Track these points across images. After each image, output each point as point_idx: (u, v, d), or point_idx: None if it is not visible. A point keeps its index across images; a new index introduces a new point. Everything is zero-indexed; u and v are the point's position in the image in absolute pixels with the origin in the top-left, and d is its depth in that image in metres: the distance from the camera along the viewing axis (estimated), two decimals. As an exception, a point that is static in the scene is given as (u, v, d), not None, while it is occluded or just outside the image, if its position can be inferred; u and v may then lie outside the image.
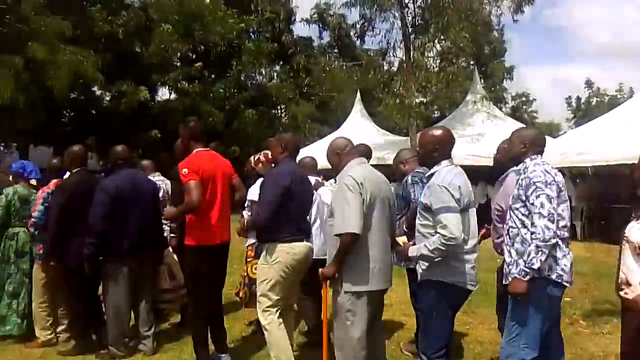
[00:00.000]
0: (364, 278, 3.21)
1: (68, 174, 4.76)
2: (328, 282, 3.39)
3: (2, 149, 16.61)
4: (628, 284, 3.01)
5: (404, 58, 14.19)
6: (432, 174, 3.19)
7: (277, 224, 3.66)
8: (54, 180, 4.71)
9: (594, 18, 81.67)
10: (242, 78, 20.23)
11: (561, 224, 2.94)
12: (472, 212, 3.17)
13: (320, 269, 3.39)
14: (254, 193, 4.67)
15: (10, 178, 5.07)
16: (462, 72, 16.18)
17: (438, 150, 3.19)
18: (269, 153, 4.32)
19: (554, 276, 2.91)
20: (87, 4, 16.17)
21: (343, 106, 21.05)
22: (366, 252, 3.22)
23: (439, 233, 2.96)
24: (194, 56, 20.07)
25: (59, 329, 4.74)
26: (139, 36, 17.32)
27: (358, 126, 16.86)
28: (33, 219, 4.55)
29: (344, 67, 16.75)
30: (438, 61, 14.79)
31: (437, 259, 3.06)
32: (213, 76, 19.65)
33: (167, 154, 17.17)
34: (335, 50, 26.52)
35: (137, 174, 4.68)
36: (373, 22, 15.23)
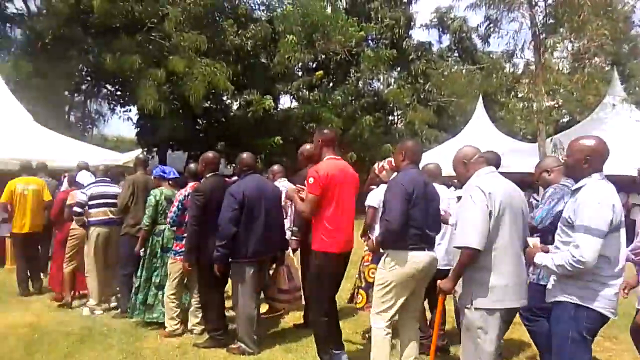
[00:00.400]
0: (496, 294, 3.08)
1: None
2: (445, 295, 3.33)
3: (145, 154, 18.35)
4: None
5: (532, 59, 13.45)
6: (578, 188, 2.93)
7: (399, 232, 3.63)
8: (191, 184, 5.09)
9: None
10: (360, 85, 20.49)
11: None
12: (622, 232, 2.90)
13: (438, 282, 3.33)
14: (372, 199, 4.82)
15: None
16: (598, 73, 14.90)
17: (589, 162, 2.91)
18: (392, 161, 4.35)
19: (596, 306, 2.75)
20: (220, 19, 17.39)
21: (462, 111, 20.43)
22: (498, 267, 3.08)
23: (570, 251, 2.77)
24: (314, 65, 20.79)
25: (194, 321, 5.12)
26: (265, 48, 18.28)
27: (480, 132, 16.22)
28: (169, 219, 5.01)
29: (465, 70, 16.28)
30: (570, 62, 13.77)
31: (578, 279, 2.84)
32: (332, 84, 20.15)
33: (287, 159, 18.05)
34: (455, 54, 25.83)
35: (261, 180, 4.90)
36: (499, 23, 14.63)
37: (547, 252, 3.07)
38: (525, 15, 12.95)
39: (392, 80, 23.77)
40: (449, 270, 3.34)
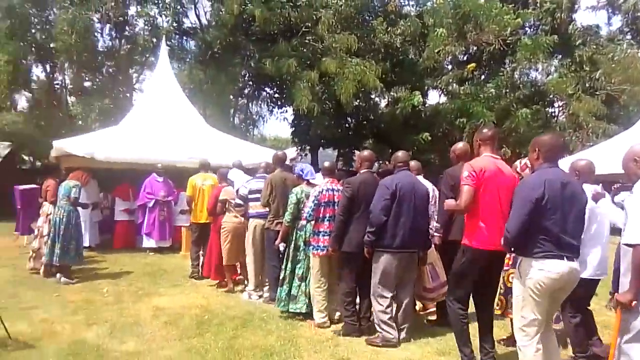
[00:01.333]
0: None
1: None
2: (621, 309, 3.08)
3: (299, 152, 19.51)
4: None
5: None
6: None
7: (528, 237, 3.41)
8: (327, 180, 5.39)
9: None
10: (516, 76, 19.29)
11: None
12: None
13: (615, 294, 3.13)
14: None
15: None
16: None
17: None
18: None
19: None
20: (370, 18, 17.70)
21: (637, 101, 18.14)
22: None
23: None
24: (465, 58, 20.07)
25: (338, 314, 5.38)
26: (414, 43, 18.16)
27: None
28: (305, 213, 5.31)
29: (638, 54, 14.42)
30: None
31: None
32: (484, 76, 19.30)
33: (436, 155, 17.77)
34: (628, 37, 22.92)
35: (413, 177, 5.04)
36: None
37: None
38: None
39: (553, 69, 21.89)
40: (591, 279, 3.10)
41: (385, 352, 4.62)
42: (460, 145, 5.32)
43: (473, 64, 18.05)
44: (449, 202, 4.23)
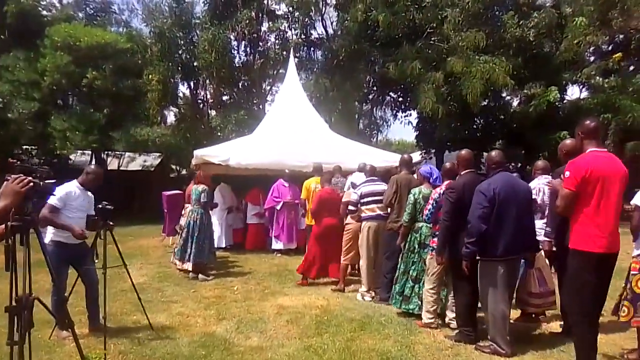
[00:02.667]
0: None
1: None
2: None
3: (424, 154, 19.18)
4: None
5: None
6: None
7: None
8: (446, 182, 5.25)
9: None
10: (673, 64, 17.05)
11: None
12: None
13: None
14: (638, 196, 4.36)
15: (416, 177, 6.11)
16: None
17: None
18: None
19: None
20: (500, 13, 16.85)
21: None
22: None
23: None
24: (609, 47, 18.20)
25: (450, 316, 5.25)
26: (550, 35, 16.90)
27: None
28: (424, 216, 5.32)
29: None
30: None
31: None
32: (633, 67, 17.30)
33: (575, 155, 16.29)
34: None
35: (512, 178, 4.76)
36: None
37: None
38: None
39: None
40: None
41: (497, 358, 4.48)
42: (567, 142, 4.86)
43: (619, 54, 16.29)
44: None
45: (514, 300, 5.13)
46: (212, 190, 8.82)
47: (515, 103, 18.17)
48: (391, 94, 20.48)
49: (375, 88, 19.98)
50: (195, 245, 7.63)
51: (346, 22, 17.03)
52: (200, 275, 7.63)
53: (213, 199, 8.68)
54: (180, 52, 18.10)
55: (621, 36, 17.30)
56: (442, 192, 5.16)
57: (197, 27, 18.21)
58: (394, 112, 20.93)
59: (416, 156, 20.19)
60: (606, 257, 3.74)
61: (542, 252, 5.12)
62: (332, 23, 19.63)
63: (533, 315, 5.53)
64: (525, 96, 16.79)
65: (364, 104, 20.98)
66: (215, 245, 9.05)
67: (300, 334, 5.13)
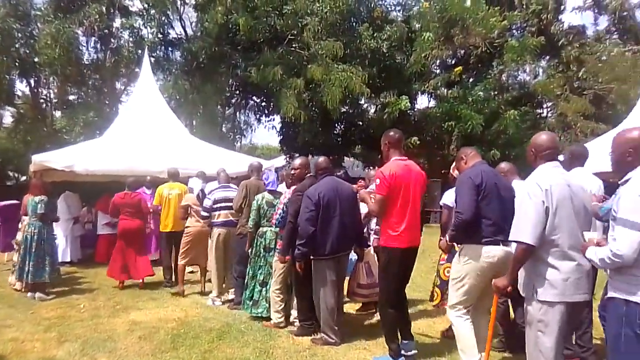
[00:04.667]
0: (558, 288, 3.08)
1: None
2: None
3: (288, 159, 19.35)
4: None
5: None
6: (625, 181, 2.81)
7: (472, 226, 3.76)
8: (293, 188, 5.39)
9: None
10: (504, 78, 19.29)
11: None
12: None
13: (493, 280, 3.42)
14: (447, 197, 4.99)
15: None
16: None
17: (633, 155, 2.80)
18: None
19: None
20: (356, 24, 17.65)
21: (625, 99, 18.10)
22: (558, 261, 3.09)
23: (609, 245, 2.70)
24: (452, 61, 20.07)
25: (294, 315, 5.44)
26: (401, 48, 18.12)
27: (647, 121, 14.25)
28: (274, 220, 5.40)
29: (627, 53, 14.43)
30: None
31: (625, 274, 2.70)
32: (472, 79, 19.29)
33: (424, 160, 17.70)
34: (615, 36, 22.96)
35: (337, 181, 5.07)
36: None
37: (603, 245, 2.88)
38: None
39: (540, 70, 21.91)
40: None
41: (355, 356, 4.65)
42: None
43: (460, 68, 18.04)
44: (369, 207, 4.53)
45: (345, 292, 5.58)
46: (55, 199, 7.89)
47: (372, 110, 19.15)
48: (254, 98, 20.34)
49: (238, 92, 19.70)
50: (33, 261, 6.75)
51: (206, 23, 16.58)
52: (37, 294, 6.75)
53: (56, 210, 7.76)
54: (17, 45, 16.16)
55: (462, 51, 19.15)
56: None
57: (38, 20, 16.43)
58: (258, 116, 20.81)
59: (281, 160, 20.38)
60: (409, 250, 4.29)
61: (372, 248, 5.61)
62: (191, 23, 19.03)
63: (374, 310, 5.77)
64: (380, 104, 17.78)
65: (227, 108, 20.61)
66: (60, 260, 8.28)
67: (154, 350, 4.77)
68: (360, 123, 18.88)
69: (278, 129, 19.55)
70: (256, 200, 5.71)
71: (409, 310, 4.73)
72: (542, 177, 3.18)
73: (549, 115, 21.69)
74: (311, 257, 4.90)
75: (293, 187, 5.37)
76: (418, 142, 16.70)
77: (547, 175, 3.19)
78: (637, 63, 14.01)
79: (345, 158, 19.88)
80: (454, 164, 4.80)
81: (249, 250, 5.81)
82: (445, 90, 18.46)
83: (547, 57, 21.85)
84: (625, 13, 21.48)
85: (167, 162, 9.58)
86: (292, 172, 5.55)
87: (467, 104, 17.45)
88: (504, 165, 4.84)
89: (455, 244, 4.40)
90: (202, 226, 6.95)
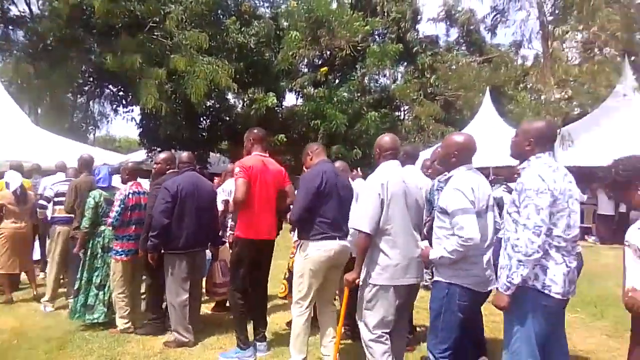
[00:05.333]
0: (389, 272, 3.39)
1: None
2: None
3: (149, 153, 18.23)
4: (635, 290, 2.62)
5: (540, 51, 13.07)
6: (449, 178, 3.23)
7: (310, 223, 3.95)
8: (130, 184, 5.15)
9: None
10: (366, 81, 20.19)
11: (556, 232, 2.77)
12: (489, 215, 3.19)
13: (345, 275, 3.60)
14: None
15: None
16: (609, 63, 14.41)
17: (457, 156, 3.22)
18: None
19: (539, 286, 2.79)
20: (223, 17, 17.20)
21: (470, 105, 20.04)
22: (391, 249, 3.38)
23: (456, 235, 3.00)
24: (320, 61, 20.51)
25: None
26: (269, 45, 18.06)
27: (487, 125, 15.85)
28: (112, 219, 4.98)
29: (473, 63, 15.94)
30: (580, 51, 13.37)
31: (455, 265, 3.09)
32: (337, 80, 19.89)
33: (292, 157, 17.83)
34: (463, 48, 25.38)
35: (197, 177, 5.02)
36: (506, 13, 14.30)
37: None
38: (533, 4, 12.59)
39: (399, 75, 23.42)
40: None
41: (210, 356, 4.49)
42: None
43: (325, 68, 18.49)
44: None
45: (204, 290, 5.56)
46: None
47: (239, 106, 18.83)
48: (110, 87, 18.84)
49: (91, 79, 18.10)
50: None
51: (55, 2, 14.93)
52: None
53: None
54: None
55: (328, 52, 19.62)
56: (128, 193, 5.05)
57: None
58: (114, 106, 19.28)
59: (142, 154, 19.20)
60: (262, 242, 4.40)
61: (227, 245, 5.48)
62: (37, 1, 17.05)
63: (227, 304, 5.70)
64: (248, 100, 17.55)
65: (79, 96, 18.82)
66: None
67: (-19, 365, 4.08)
68: (227, 118, 18.49)
69: (138, 121, 18.34)
70: (93, 197, 5.20)
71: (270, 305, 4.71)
72: (381, 173, 3.50)
73: (406, 117, 23.23)
74: (164, 251, 4.77)
75: (131, 183, 5.18)
76: (285, 139, 16.77)
77: (386, 172, 3.50)
78: (481, 73, 15.49)
79: (211, 153, 19.31)
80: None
81: (82, 252, 5.27)
82: (312, 90, 18.80)
83: (405, 64, 23.41)
84: (472, 27, 23.80)
85: (4, 154, 8.48)
86: (155, 166, 5.36)
87: (332, 103, 17.92)
88: (338, 164, 5.06)
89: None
90: (19, 227, 6.27)
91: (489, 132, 13.96)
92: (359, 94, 19.52)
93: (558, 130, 12.37)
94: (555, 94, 13.04)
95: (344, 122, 17.13)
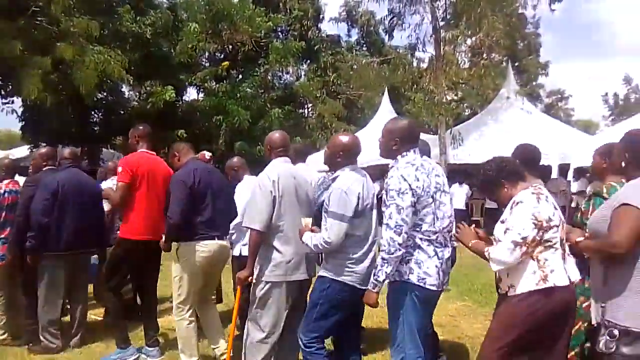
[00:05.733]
0: (281, 269, 3.42)
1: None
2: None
3: (32, 149, 16.75)
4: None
5: (434, 53, 13.74)
6: (334, 178, 3.32)
7: (187, 223, 3.91)
8: (6, 181, 4.83)
9: (632, 11, 78.96)
10: (269, 77, 20.07)
11: (425, 227, 2.92)
12: (372, 214, 3.29)
13: (237, 273, 3.62)
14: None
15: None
16: (495, 67, 15.55)
17: (342, 157, 3.30)
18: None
19: (414, 279, 2.91)
20: (115, 5, 16.20)
21: (371, 104, 20.65)
22: (282, 246, 3.42)
23: (322, 233, 3.16)
24: (222, 56, 20.05)
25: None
26: (167, 36, 17.32)
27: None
28: None
29: (372, 64, 16.40)
30: (469, 56, 14.27)
31: (333, 257, 3.21)
32: (240, 75, 19.58)
33: (194, 153, 17.25)
34: (364, 48, 26.07)
35: (80, 174, 4.89)
36: (402, 16, 14.86)
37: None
38: (427, 9, 13.19)
39: (302, 73, 23.55)
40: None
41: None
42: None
43: (227, 63, 18.12)
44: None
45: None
46: None
47: (135, 99, 17.89)
48: (-13, 75, 17.00)
49: (-39, 66, 16.20)
50: None
51: None
52: None
53: None
54: None
55: (230, 47, 19.21)
56: (2, 192, 4.72)
57: None
58: (-8, 97, 17.41)
59: (24, 150, 17.72)
60: (147, 243, 4.23)
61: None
62: None
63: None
64: (145, 93, 16.72)
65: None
66: None
67: None
68: (122, 112, 17.45)
69: (19, 114, 16.74)
70: None
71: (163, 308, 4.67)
72: (272, 170, 3.52)
73: (310, 115, 23.42)
74: (43, 252, 4.51)
75: (7, 181, 4.86)
76: (185, 135, 16.17)
77: (277, 169, 3.52)
78: (380, 74, 15.97)
79: (104, 149, 18.18)
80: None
81: None
82: (214, 84, 18.34)
83: (308, 61, 23.59)
84: (371, 28, 24.49)
85: None
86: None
87: (235, 99, 17.61)
88: (236, 160, 5.09)
89: None
90: None
91: (387, 130, 14.42)
92: (262, 90, 19.36)
93: (450, 130, 13.15)
94: (448, 95, 13.76)
95: (247, 119, 16.91)
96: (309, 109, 23.58)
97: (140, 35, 15.99)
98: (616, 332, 2.43)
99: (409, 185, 2.86)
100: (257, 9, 18.18)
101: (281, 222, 3.42)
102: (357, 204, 3.13)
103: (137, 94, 17.31)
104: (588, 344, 3.16)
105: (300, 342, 3.28)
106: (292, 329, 3.51)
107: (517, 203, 2.79)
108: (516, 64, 26.38)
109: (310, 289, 3.50)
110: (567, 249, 2.84)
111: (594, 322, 2.67)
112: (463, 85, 14.55)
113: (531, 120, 13.68)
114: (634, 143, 2.73)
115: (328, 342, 3.55)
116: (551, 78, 33.48)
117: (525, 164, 3.19)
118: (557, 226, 2.77)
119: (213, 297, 4.72)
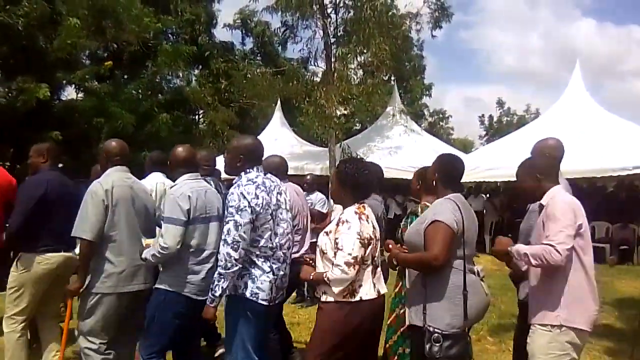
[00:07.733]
0: (112, 280, 3.37)
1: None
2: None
3: None
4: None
5: (325, 68, 14.06)
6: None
7: (31, 234, 3.77)
8: None
9: (504, 42, 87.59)
10: (157, 80, 19.26)
11: (262, 243, 3.01)
12: (213, 225, 3.32)
13: (67, 285, 3.60)
14: None
15: None
16: (383, 86, 16.30)
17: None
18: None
19: (248, 294, 3.00)
20: (-20, -10, 14.58)
21: (264, 114, 20.63)
22: (115, 256, 3.37)
23: (159, 240, 3.19)
24: (105, 54, 18.88)
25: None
26: (43, 30, 15.89)
27: (277, 135, 16.53)
28: None
29: (266, 74, 16.40)
30: (359, 73, 14.82)
31: (168, 268, 3.23)
32: (125, 77, 18.55)
33: (69, 158, 15.99)
34: (258, 58, 25.99)
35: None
36: (295, 29, 15.04)
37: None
38: (319, 25, 13.49)
39: (193, 78, 22.90)
40: None
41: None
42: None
43: (110, 62, 17.03)
44: None
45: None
46: None
47: (2, 96, 16.15)
48: None
49: None
50: None
51: None
52: None
53: None
54: None
55: (115, 46, 18.12)
56: None
57: None
58: None
59: None
60: None
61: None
62: None
63: None
64: (15, 90, 15.14)
65: None
66: None
67: None
68: (-13, 110, 15.64)
69: None
70: None
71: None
72: (106, 179, 3.47)
73: (201, 122, 22.83)
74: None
75: None
76: (61, 138, 14.90)
77: (111, 177, 3.49)
78: (274, 84, 15.99)
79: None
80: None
81: None
82: (96, 84, 17.14)
83: (200, 67, 23.03)
84: (266, 39, 24.54)
85: None
86: None
87: (119, 101, 16.64)
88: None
89: None
90: None
91: (279, 140, 14.57)
92: (149, 93, 18.51)
93: (339, 144, 13.52)
94: (338, 109, 14.15)
95: (131, 122, 16.03)
96: (200, 116, 22.98)
97: (11, 27, 14.50)
98: (438, 336, 2.72)
99: (248, 202, 2.93)
100: (146, 9, 17.39)
101: (114, 232, 3.37)
102: (189, 209, 3.17)
103: (6, 90, 15.62)
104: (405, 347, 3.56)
105: (140, 358, 3.24)
106: (122, 342, 3.53)
107: (344, 222, 2.95)
108: (404, 84, 28.00)
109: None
110: (379, 263, 3.09)
111: (407, 323, 2.98)
112: (354, 101, 15.01)
113: (414, 138, 14.55)
114: (443, 164, 3.08)
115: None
116: (434, 98, 36.18)
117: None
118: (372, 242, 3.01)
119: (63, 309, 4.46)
